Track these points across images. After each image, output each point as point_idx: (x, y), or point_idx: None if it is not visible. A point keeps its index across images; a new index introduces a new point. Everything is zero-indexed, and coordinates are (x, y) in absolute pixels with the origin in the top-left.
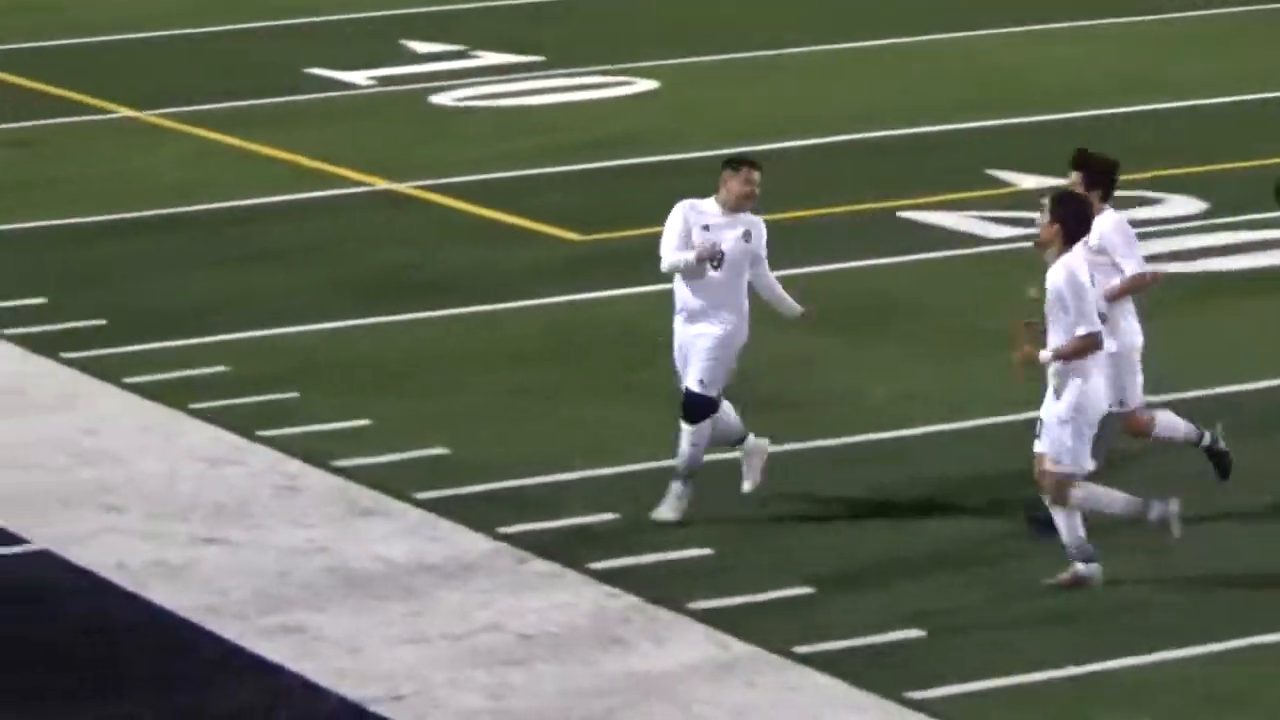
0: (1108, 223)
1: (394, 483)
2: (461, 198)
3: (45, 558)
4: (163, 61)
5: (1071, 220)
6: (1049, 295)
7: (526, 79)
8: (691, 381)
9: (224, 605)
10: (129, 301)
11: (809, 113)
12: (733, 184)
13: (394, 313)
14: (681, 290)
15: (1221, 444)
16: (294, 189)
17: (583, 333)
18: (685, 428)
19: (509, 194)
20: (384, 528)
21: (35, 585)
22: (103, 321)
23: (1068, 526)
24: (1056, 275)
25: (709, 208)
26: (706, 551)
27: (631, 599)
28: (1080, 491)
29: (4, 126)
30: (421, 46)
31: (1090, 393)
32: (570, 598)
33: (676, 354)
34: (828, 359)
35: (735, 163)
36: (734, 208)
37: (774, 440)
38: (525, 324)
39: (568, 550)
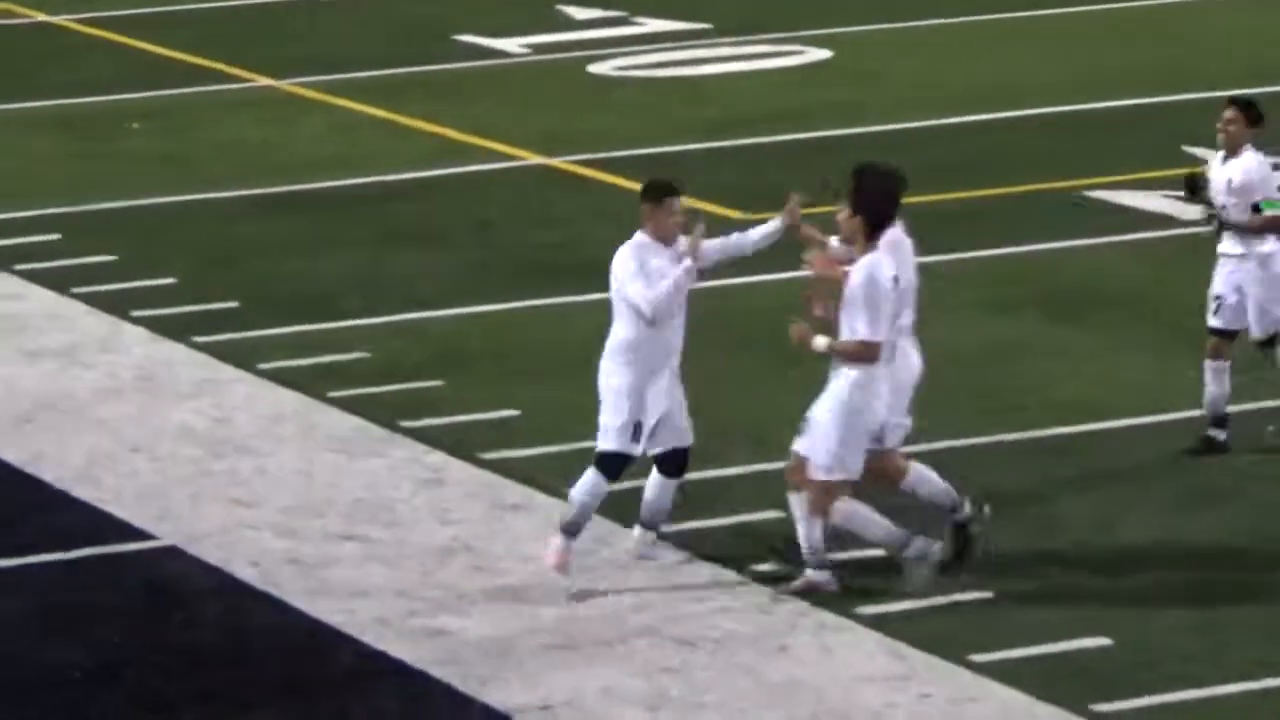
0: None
1: (543, 476)
2: (619, 173)
3: (174, 554)
4: (304, 27)
5: (872, 207)
6: (846, 290)
7: (691, 48)
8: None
9: (362, 607)
10: (264, 283)
11: (989, 84)
12: (659, 218)
13: (546, 296)
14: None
15: (971, 517)
16: (441, 164)
17: (744, 318)
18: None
19: (669, 169)
20: (532, 524)
21: (164, 584)
22: (236, 304)
23: (808, 532)
24: (855, 274)
25: (649, 248)
26: (876, 553)
27: (797, 603)
28: (844, 508)
29: (136, 96)
30: (579, 13)
31: (870, 400)
32: (732, 601)
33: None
34: (1023, 347)
35: (655, 194)
36: (669, 241)
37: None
38: (698, 306)
39: (729, 550)
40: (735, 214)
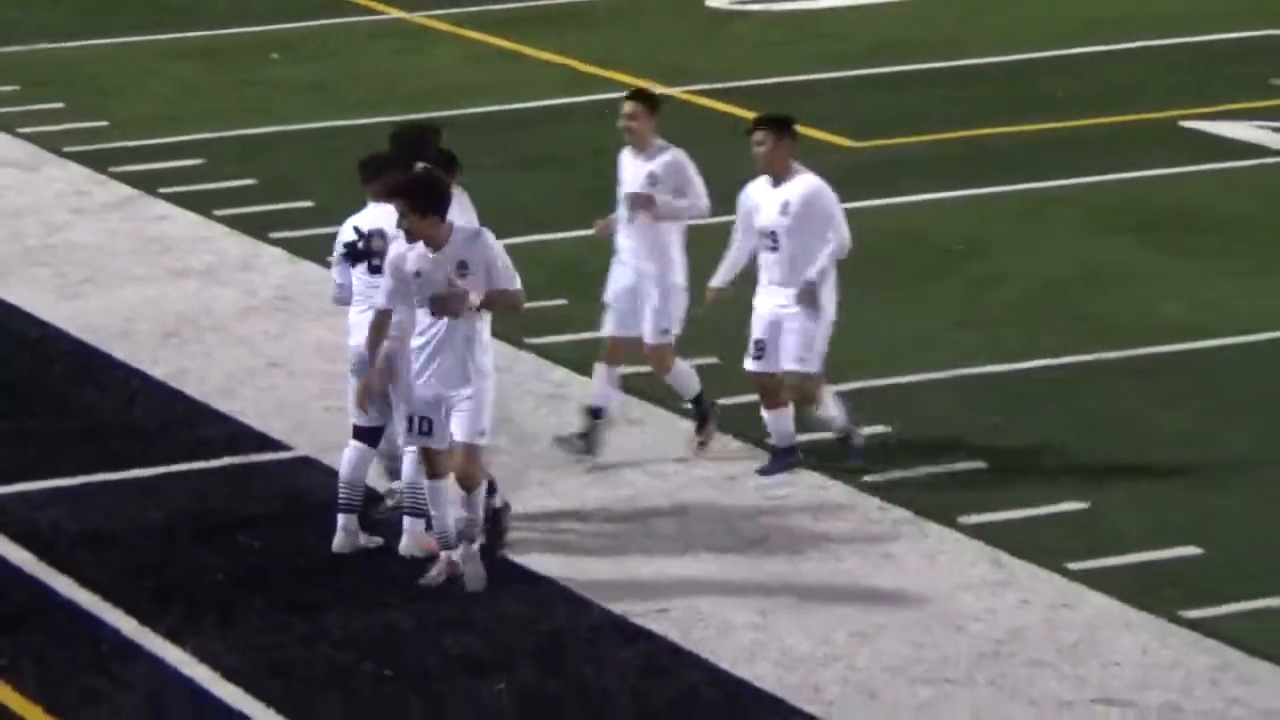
0: None
1: (660, 391)
2: (734, 103)
3: (308, 464)
4: None
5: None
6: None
7: None
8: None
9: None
10: None
11: (1086, 19)
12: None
13: None
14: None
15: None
16: (568, 94)
17: (862, 241)
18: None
19: (783, 99)
20: (650, 438)
21: (299, 492)
22: None
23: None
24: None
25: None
26: (979, 465)
27: (902, 512)
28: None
29: (276, 28)
30: None
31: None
32: (840, 510)
33: None
34: (1121, 271)
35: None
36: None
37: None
38: None
39: (841, 462)
40: (847, 142)
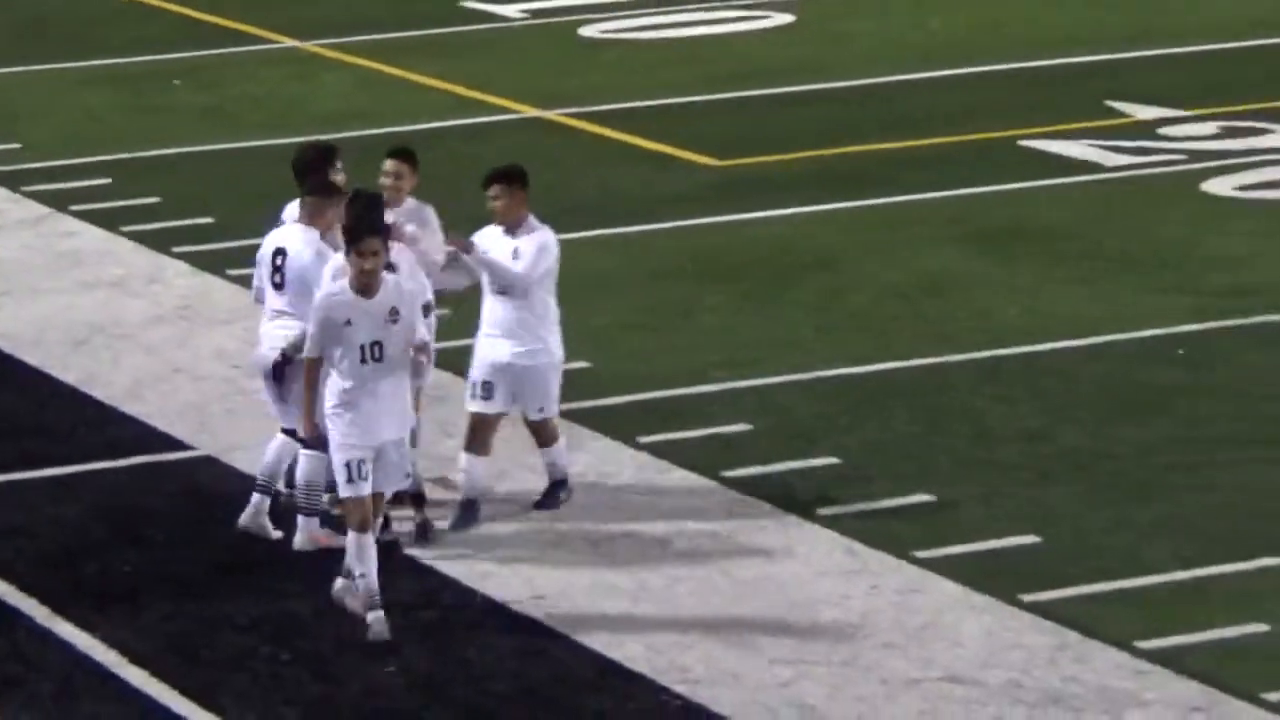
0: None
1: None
2: (606, 125)
3: (211, 463)
4: None
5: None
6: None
7: (668, 13)
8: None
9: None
10: None
11: (933, 46)
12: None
13: None
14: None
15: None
16: (449, 117)
17: (724, 252)
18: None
19: (651, 121)
20: (530, 439)
21: (202, 489)
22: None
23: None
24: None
25: None
26: (834, 460)
27: (765, 505)
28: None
29: (178, 56)
30: None
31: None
32: (706, 504)
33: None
34: (963, 279)
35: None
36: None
37: (906, 353)
38: (668, 244)
39: (705, 459)
40: (712, 161)
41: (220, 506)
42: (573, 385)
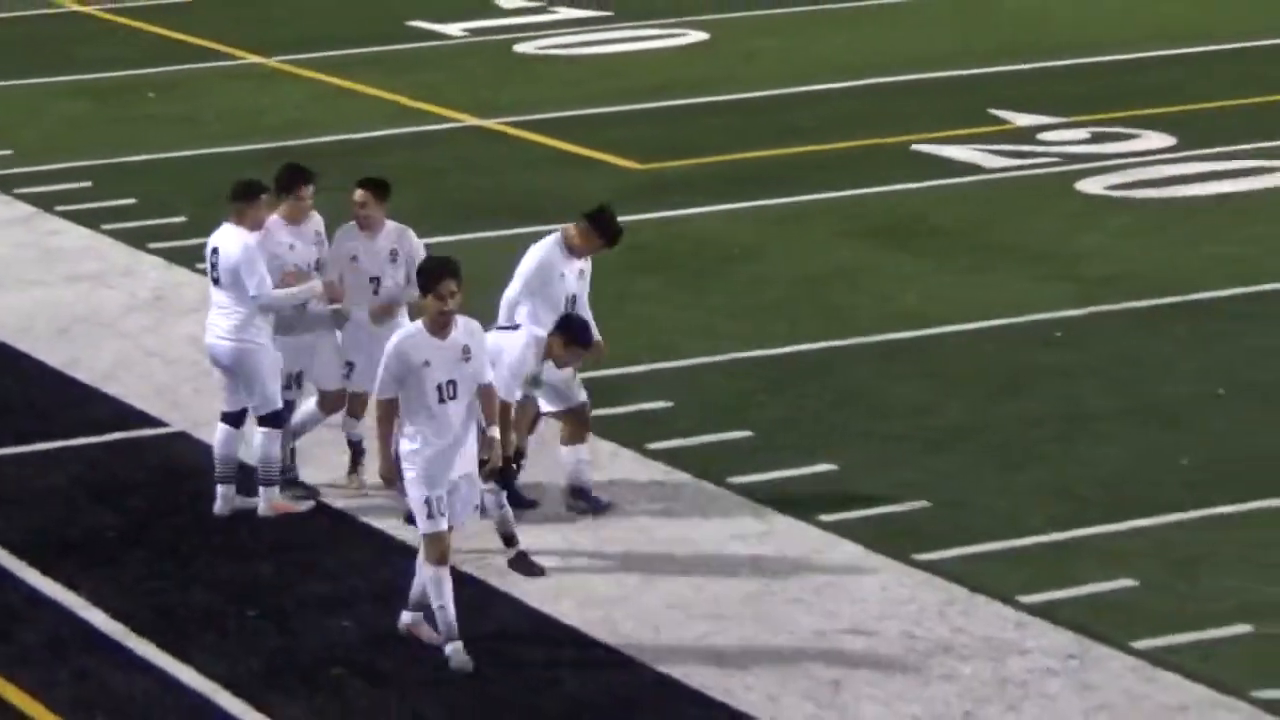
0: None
1: None
2: (539, 132)
3: (183, 438)
4: (285, 14)
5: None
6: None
7: (596, 31)
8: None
9: (336, 476)
10: None
11: (836, 60)
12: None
13: (482, 231)
14: None
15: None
16: (397, 125)
17: (649, 247)
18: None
19: (580, 129)
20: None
21: (176, 461)
22: None
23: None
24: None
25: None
26: (747, 433)
27: (683, 475)
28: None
29: (152, 71)
30: (507, 3)
31: None
32: (631, 474)
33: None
34: (864, 270)
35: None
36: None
37: (814, 336)
38: None
39: (632, 433)
40: (634, 164)
41: (192, 477)
42: None
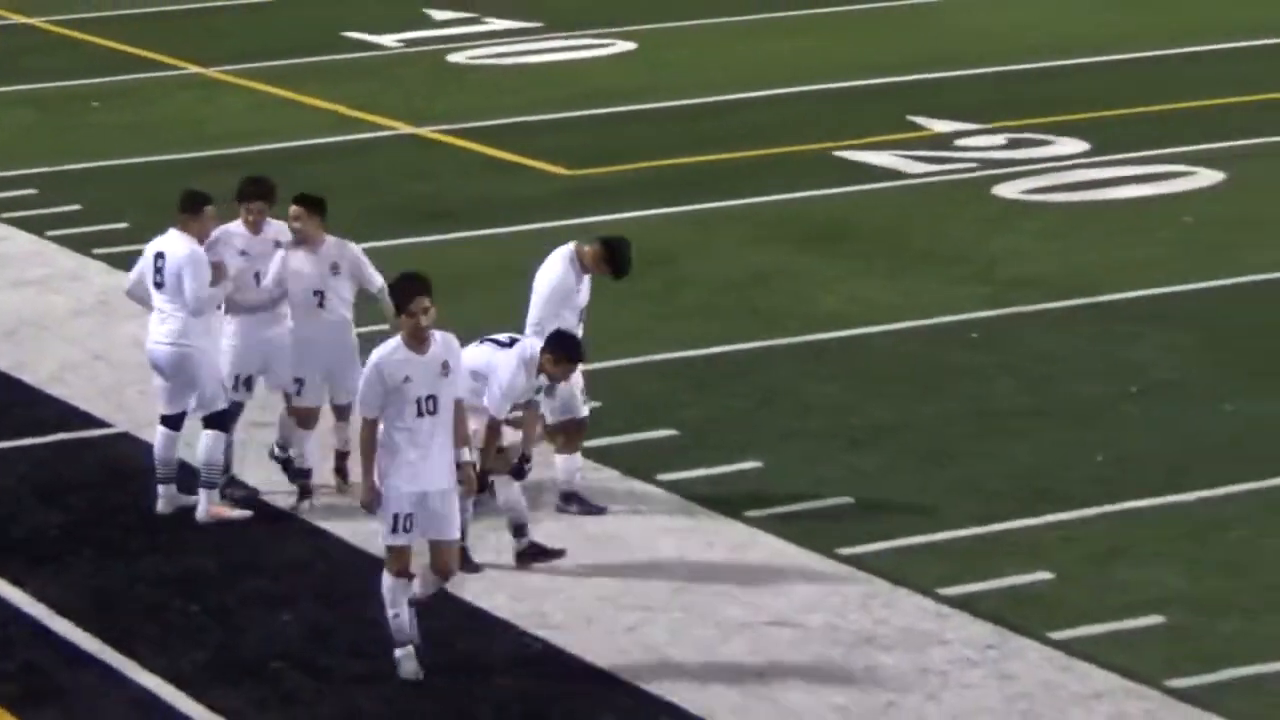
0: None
1: None
2: (472, 140)
3: (127, 439)
4: (225, 26)
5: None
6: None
7: (527, 41)
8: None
9: (283, 481)
10: None
11: (755, 69)
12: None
13: (418, 235)
14: None
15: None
16: (335, 133)
17: None
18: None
19: (511, 136)
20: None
21: (119, 461)
22: None
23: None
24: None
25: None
26: (673, 432)
27: (611, 472)
28: None
29: (97, 81)
30: (440, 14)
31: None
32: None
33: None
34: (786, 273)
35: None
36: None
37: (737, 338)
38: (526, 244)
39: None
40: (563, 170)
41: (135, 476)
42: None
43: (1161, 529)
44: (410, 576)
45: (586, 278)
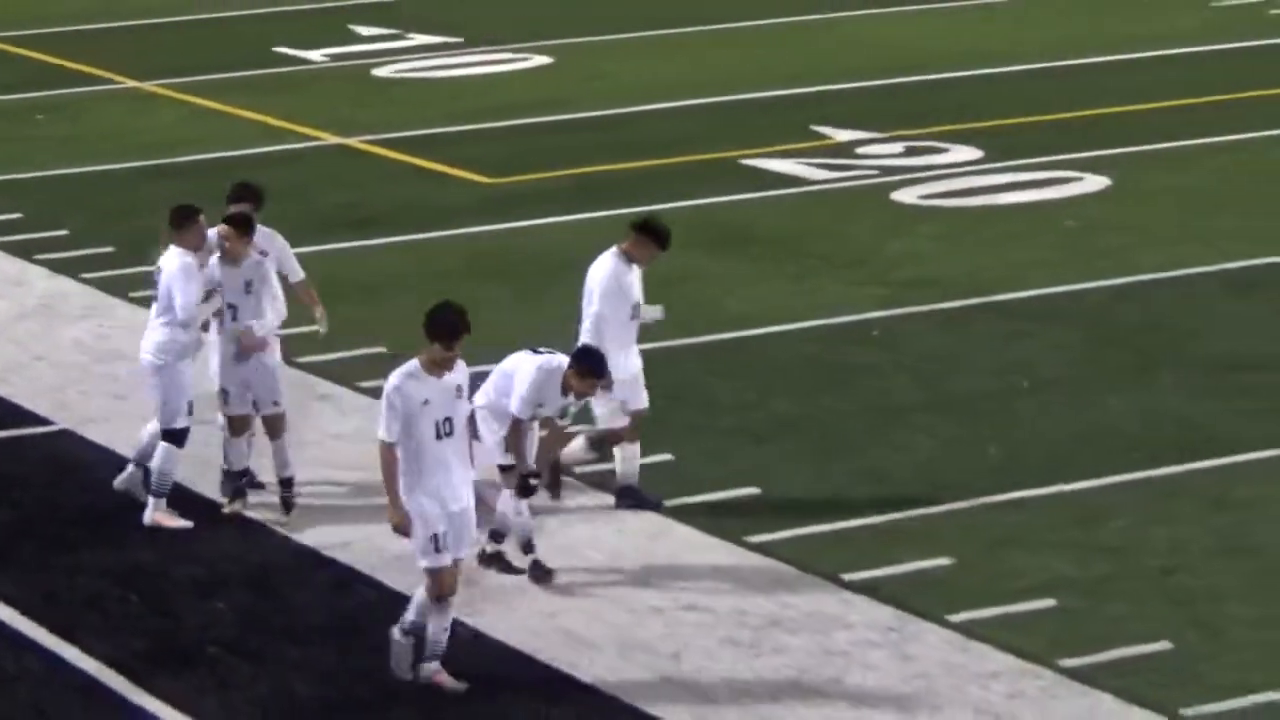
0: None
1: (343, 375)
2: (396, 149)
3: (69, 436)
4: (160, 42)
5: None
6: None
7: (448, 55)
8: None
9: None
10: (134, 233)
11: (665, 82)
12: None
13: (344, 240)
14: None
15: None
16: (265, 143)
17: (496, 256)
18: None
19: (433, 146)
20: (336, 410)
21: (62, 458)
22: (113, 249)
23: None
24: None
25: None
26: (590, 429)
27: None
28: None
29: (39, 95)
30: (365, 30)
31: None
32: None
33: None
34: (695, 276)
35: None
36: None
37: (647, 338)
38: (448, 249)
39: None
40: (483, 179)
41: (77, 472)
42: (373, 368)
43: (1051, 517)
44: (453, 596)
45: (636, 269)
